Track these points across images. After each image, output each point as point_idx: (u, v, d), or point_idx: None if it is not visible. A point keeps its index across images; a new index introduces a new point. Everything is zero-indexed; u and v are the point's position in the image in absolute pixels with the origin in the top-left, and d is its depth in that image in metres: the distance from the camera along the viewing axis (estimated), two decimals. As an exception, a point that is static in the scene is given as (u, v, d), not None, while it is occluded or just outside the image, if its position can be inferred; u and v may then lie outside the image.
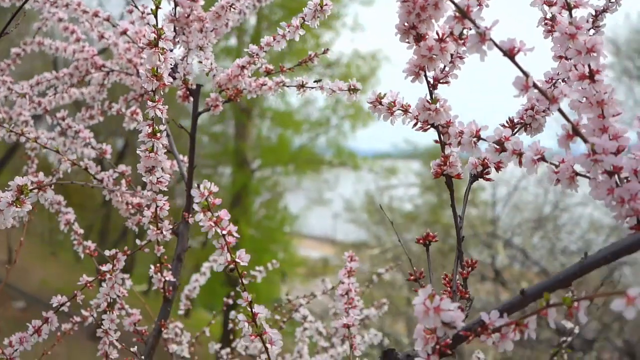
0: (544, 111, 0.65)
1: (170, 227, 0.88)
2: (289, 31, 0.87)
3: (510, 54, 0.49)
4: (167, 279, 0.95)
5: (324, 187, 12.30)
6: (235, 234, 0.61)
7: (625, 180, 0.50)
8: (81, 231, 1.07)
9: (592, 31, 0.69)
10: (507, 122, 0.67)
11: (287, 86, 0.94)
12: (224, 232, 0.60)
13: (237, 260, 0.61)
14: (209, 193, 0.60)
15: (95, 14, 1.07)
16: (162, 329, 0.96)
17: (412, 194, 9.77)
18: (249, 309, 0.63)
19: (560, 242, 6.31)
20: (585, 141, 0.50)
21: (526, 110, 0.66)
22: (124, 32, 1.03)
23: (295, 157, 11.46)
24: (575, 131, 0.50)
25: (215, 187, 0.60)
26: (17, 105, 1.20)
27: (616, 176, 0.51)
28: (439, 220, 8.01)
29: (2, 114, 1.15)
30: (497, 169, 0.65)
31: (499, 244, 5.55)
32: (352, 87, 0.83)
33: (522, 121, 0.66)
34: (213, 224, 0.60)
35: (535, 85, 0.49)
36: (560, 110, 0.50)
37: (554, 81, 0.67)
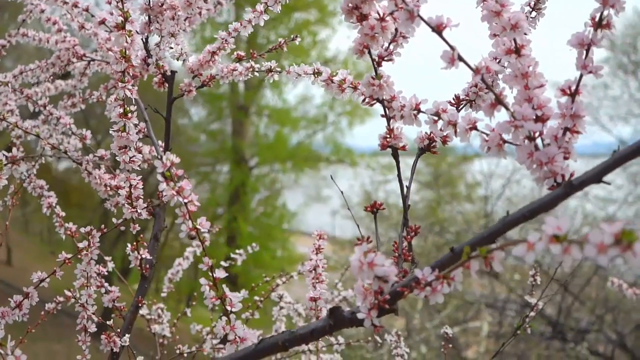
0: (487, 88, 0.69)
1: (145, 205, 0.93)
2: (254, 17, 0.91)
3: (438, 29, 0.54)
4: (143, 256, 0.99)
5: (322, 184, 12.34)
6: (197, 203, 0.65)
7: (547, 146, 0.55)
8: (63, 214, 1.11)
9: (533, 13, 0.74)
10: (453, 98, 0.71)
11: (257, 71, 0.98)
12: (186, 200, 0.65)
13: (197, 227, 0.66)
14: (172, 164, 0.64)
15: (75, 5, 1.11)
16: (140, 305, 1.01)
17: (410, 189, 9.82)
18: (210, 274, 0.67)
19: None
20: (507, 109, 0.54)
21: (470, 87, 0.70)
22: (102, 22, 1.07)
23: (293, 154, 11.50)
24: (498, 100, 0.54)
25: (177, 159, 0.65)
26: (2, 95, 1.25)
27: (538, 141, 0.55)
28: (436, 216, 8.06)
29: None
30: (444, 142, 0.70)
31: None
32: (316, 70, 0.87)
33: (467, 98, 0.71)
34: (175, 193, 0.64)
35: (460, 58, 0.53)
36: (484, 81, 0.54)
37: (498, 60, 0.71)
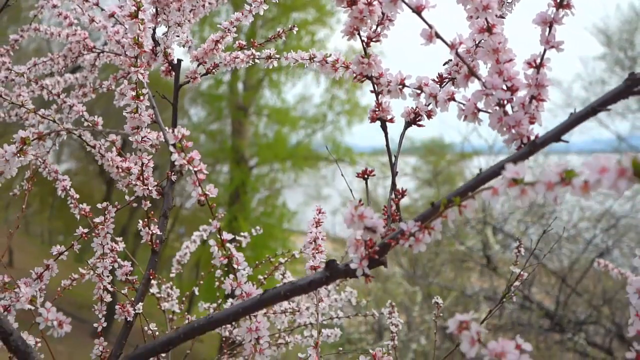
0: (461, 61, 0.77)
1: (155, 183, 1.00)
2: (254, 6, 0.99)
3: (417, 10, 0.61)
4: (154, 232, 1.06)
5: (322, 183, 12.42)
6: (205, 171, 0.73)
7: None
8: (77, 196, 1.19)
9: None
10: (436, 76, 0.79)
11: (257, 59, 1.06)
12: (196, 169, 0.72)
13: (207, 192, 0.73)
14: (182, 136, 0.72)
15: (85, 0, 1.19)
16: (151, 278, 1.08)
17: (409, 187, 9.91)
18: (218, 236, 0.75)
19: (551, 229, 6.44)
20: (479, 79, 0.61)
21: (453, 66, 0.78)
22: (112, 15, 1.15)
23: (293, 153, 11.57)
24: (471, 72, 0.62)
25: (187, 131, 0.72)
26: (16, 87, 1.32)
27: (508, 108, 0.63)
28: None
29: (2, 96, 1.26)
30: (428, 116, 0.77)
31: (488, 230, 5.67)
32: (312, 56, 0.94)
33: (449, 76, 0.78)
34: (186, 162, 0.72)
35: (437, 35, 0.61)
36: (458, 55, 0.62)
37: (474, 39, 0.78)
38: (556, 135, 0.57)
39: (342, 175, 1.07)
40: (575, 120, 0.57)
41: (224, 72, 1.08)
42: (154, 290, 1.37)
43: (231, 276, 0.75)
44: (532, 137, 0.61)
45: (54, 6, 1.29)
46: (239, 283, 0.74)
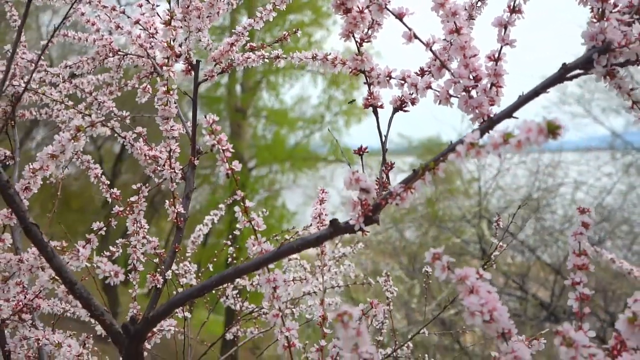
0: (435, 57, 0.93)
1: (181, 167, 1.16)
2: (265, 14, 1.15)
3: (400, 17, 0.77)
4: (179, 210, 1.22)
5: (321, 183, 12.56)
6: (231, 150, 0.89)
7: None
8: (107, 182, 1.35)
9: (479, 3, 0.97)
10: (419, 69, 0.95)
11: (266, 59, 1.22)
12: (224, 148, 0.88)
13: (232, 167, 0.89)
14: (213, 121, 0.88)
15: (113, 8, 1.35)
16: (176, 250, 1.24)
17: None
18: (242, 203, 0.91)
19: (545, 222, 6.63)
20: (449, 70, 0.78)
21: (431, 61, 0.94)
22: (137, 22, 1.31)
23: (291, 154, 11.73)
24: (442, 65, 0.78)
25: (217, 117, 0.88)
26: (46, 87, 1.48)
27: (473, 93, 0.79)
28: (435, 212, 8.32)
29: (46, 94, 1.42)
30: (412, 103, 0.93)
31: (483, 223, 5.84)
32: (314, 55, 1.11)
33: (429, 69, 0.94)
34: (216, 142, 0.88)
35: (415, 36, 0.77)
36: (432, 52, 0.78)
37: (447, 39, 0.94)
38: (508, 113, 0.74)
39: (350, 165, 1.23)
40: (522, 101, 0.73)
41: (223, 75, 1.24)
42: (171, 271, 1.53)
43: (252, 237, 0.91)
44: (492, 116, 0.77)
45: (82, 14, 1.45)
46: (259, 242, 0.90)
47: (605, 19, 0.70)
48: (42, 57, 1.54)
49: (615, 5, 0.71)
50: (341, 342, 0.61)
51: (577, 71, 0.72)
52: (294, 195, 12.71)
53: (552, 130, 0.55)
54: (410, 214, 8.50)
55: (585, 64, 0.71)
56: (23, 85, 1.37)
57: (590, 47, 0.71)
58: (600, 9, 0.70)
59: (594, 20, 0.71)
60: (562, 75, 0.71)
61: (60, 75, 1.38)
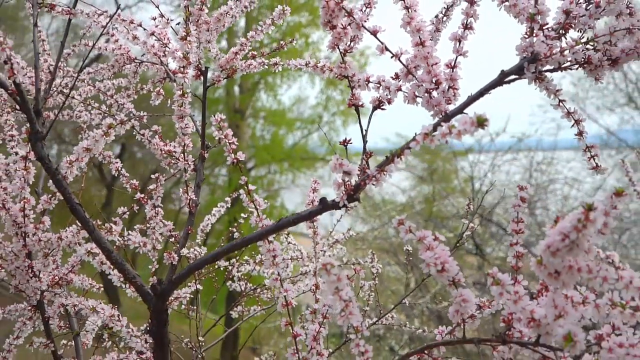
0: (403, 66, 1.12)
1: (194, 159, 1.35)
2: (265, 27, 1.34)
3: (374, 33, 0.96)
4: (191, 197, 1.41)
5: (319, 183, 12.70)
6: (236, 143, 1.07)
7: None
8: (127, 175, 1.53)
9: (444, 18, 1.16)
10: (394, 74, 1.14)
11: (267, 65, 1.41)
12: (230, 141, 1.07)
13: (237, 157, 1.08)
14: (221, 119, 1.07)
15: (131, 22, 1.53)
16: (189, 232, 1.43)
17: (405, 185, 10.28)
18: (246, 187, 1.09)
19: (537, 217, 6.82)
20: (414, 76, 0.97)
21: (402, 68, 1.13)
22: (152, 34, 1.50)
23: (289, 154, 11.91)
24: (408, 71, 0.97)
25: (224, 116, 1.07)
26: (76, 91, 1.67)
27: (434, 94, 0.98)
28: (432, 211, 8.52)
29: (75, 97, 1.61)
30: (389, 102, 1.12)
31: (475, 219, 6.04)
32: (307, 62, 1.29)
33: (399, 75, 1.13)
34: (223, 137, 1.07)
35: (386, 48, 0.96)
36: (400, 61, 0.97)
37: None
38: (459, 110, 0.92)
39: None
40: (469, 100, 0.92)
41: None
42: (183, 251, 1.72)
43: (255, 214, 1.10)
44: (447, 112, 0.96)
45: (103, 27, 1.63)
46: (261, 218, 1.09)
47: (534, 35, 0.89)
48: (65, 64, 1.72)
49: (543, 26, 0.90)
50: (325, 286, 0.79)
51: (513, 76, 0.91)
52: (293, 195, 12.87)
53: (480, 122, 0.74)
54: (406, 211, 8.69)
55: (518, 71, 0.89)
56: (61, 90, 1.56)
57: (522, 57, 0.90)
58: (530, 27, 0.89)
59: (526, 36, 0.90)
60: (501, 79, 0.90)
61: (86, 81, 1.57)
